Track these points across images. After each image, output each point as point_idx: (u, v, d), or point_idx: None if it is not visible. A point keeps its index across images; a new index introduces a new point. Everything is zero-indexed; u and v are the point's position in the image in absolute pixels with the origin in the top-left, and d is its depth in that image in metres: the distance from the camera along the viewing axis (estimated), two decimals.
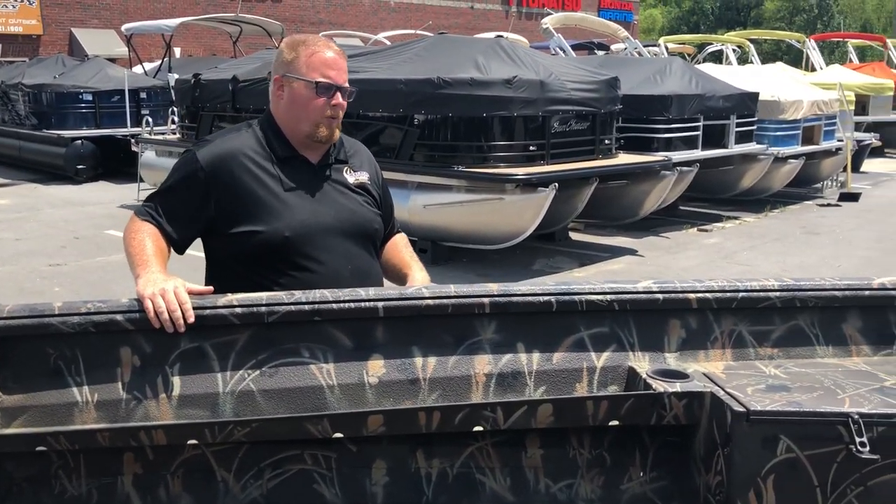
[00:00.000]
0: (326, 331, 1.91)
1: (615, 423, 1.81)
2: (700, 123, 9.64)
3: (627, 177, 8.30)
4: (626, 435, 1.88)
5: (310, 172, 2.22)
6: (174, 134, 11.56)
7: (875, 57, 29.39)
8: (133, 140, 12.13)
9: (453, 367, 1.92)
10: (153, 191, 2.20)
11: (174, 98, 12.05)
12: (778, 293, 2.00)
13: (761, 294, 2.00)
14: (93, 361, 1.84)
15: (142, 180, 11.44)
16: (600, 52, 19.58)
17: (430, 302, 1.92)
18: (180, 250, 2.18)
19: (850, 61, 23.73)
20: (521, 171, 7.22)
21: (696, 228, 9.89)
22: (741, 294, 1.99)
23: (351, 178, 2.27)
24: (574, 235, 9.19)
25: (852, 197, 12.26)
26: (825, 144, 12.20)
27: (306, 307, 1.88)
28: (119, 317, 1.82)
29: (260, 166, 2.17)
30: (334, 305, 1.89)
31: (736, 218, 10.64)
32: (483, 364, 1.93)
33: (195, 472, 1.83)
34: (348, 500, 1.82)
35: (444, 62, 7.84)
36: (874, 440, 1.60)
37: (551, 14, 15.71)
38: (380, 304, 1.90)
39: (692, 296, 1.99)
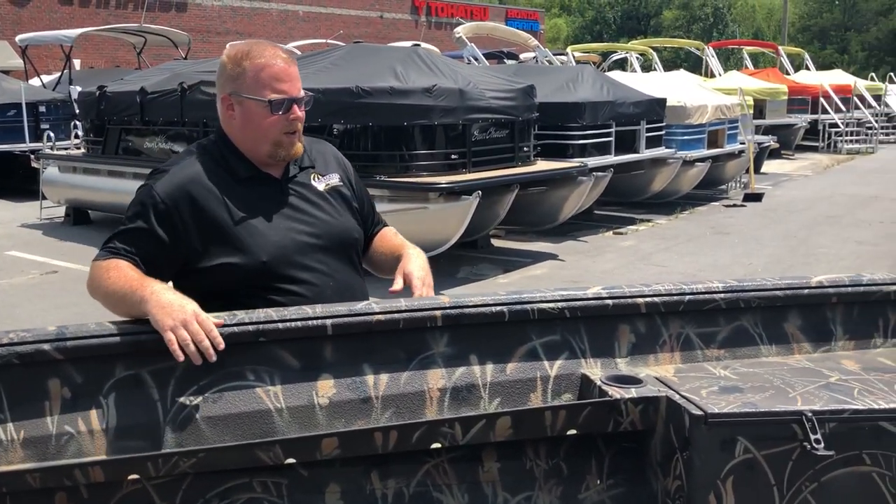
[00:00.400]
0: (272, 352, 1.83)
1: (573, 432, 1.79)
2: (612, 129, 9.88)
3: (546, 183, 8.42)
4: (582, 443, 1.87)
5: (276, 189, 2.07)
6: (78, 149, 11.07)
7: (767, 63, 30.82)
8: (33, 156, 11.56)
9: (406, 383, 1.87)
10: (109, 234, 2.00)
11: (77, 111, 11.53)
12: (722, 295, 2.03)
13: (707, 296, 2.03)
14: (16, 396, 1.71)
15: (44, 198, 10.91)
16: (509, 62, 19.88)
17: (381, 317, 1.86)
18: None
19: (746, 67, 24.83)
20: (444, 180, 7.21)
21: (611, 232, 10.11)
22: (687, 297, 2.02)
23: (320, 184, 2.13)
24: (496, 242, 9.25)
25: (756, 197, 12.79)
26: (729, 147, 12.70)
27: (250, 328, 1.80)
28: (46, 346, 1.69)
29: (223, 191, 2.01)
30: (280, 325, 1.81)
31: (648, 220, 10.93)
32: (436, 378, 1.88)
33: None
34: None
35: (362, 71, 7.78)
36: (827, 436, 1.63)
37: (461, 23, 15.83)
38: (328, 321, 1.83)
39: (641, 300, 2.00)
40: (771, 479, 1.66)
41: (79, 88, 11.99)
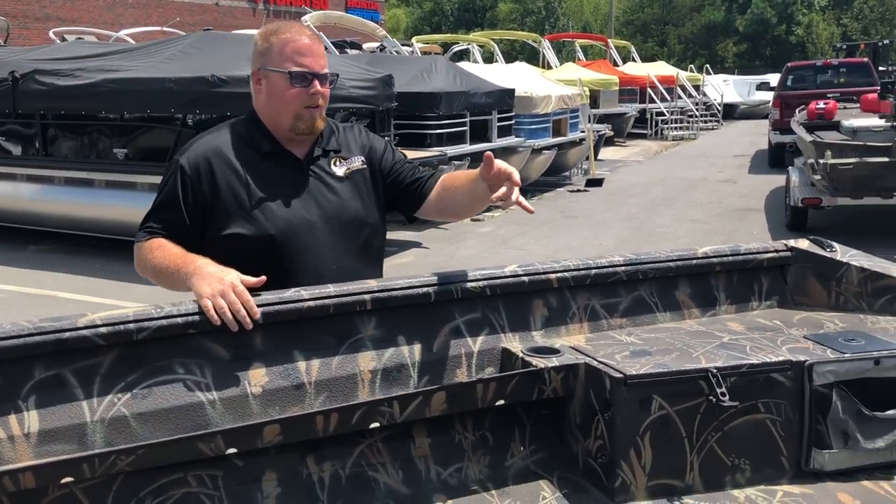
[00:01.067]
0: (202, 344, 1.80)
1: (501, 402, 1.89)
2: (467, 119, 10.13)
3: None
4: (505, 414, 1.97)
5: (296, 168, 2.13)
6: None
7: (596, 55, 32.53)
8: None
9: (338, 367, 1.89)
10: (147, 210, 2.12)
11: None
12: (624, 268, 2.20)
13: (610, 270, 2.19)
14: None
15: None
16: (352, 51, 19.78)
17: (311, 304, 1.87)
18: None
19: (579, 59, 26.11)
20: None
21: (469, 219, 10.38)
22: (593, 271, 2.16)
23: (340, 168, 2.17)
24: None
25: (597, 182, 13.55)
26: (571, 136, 13.37)
27: (179, 320, 1.77)
28: None
29: (243, 164, 2.08)
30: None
31: (499, 206, 11.29)
32: (367, 361, 1.92)
33: None
34: None
35: (216, 60, 7.52)
36: (730, 389, 1.82)
37: (303, 12, 15.58)
38: (258, 310, 1.82)
39: (553, 276, 2.13)
40: (682, 432, 1.83)
41: None
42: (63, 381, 1.69)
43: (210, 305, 1.76)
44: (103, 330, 1.70)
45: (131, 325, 1.72)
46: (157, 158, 7.48)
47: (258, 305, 1.83)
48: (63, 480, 1.58)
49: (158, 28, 19.48)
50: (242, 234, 2.05)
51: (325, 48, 10.71)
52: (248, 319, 1.77)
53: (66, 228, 8.37)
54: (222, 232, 2.06)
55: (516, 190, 1.95)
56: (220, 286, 1.79)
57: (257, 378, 1.83)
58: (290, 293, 1.89)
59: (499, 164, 1.97)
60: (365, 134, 2.31)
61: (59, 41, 12.63)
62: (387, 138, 8.33)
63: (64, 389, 1.69)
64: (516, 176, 1.96)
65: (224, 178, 2.07)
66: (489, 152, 1.98)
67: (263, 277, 1.86)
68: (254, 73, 2.13)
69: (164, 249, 1.99)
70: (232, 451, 1.68)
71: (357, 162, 2.21)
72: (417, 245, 8.65)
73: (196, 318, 1.78)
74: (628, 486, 1.81)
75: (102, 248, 8.03)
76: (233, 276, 1.82)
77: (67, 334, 1.68)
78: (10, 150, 8.68)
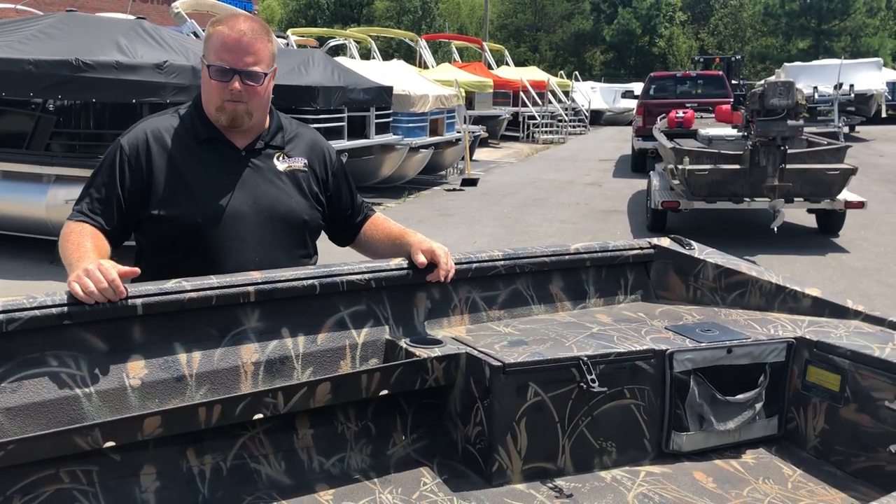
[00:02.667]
0: (77, 335, 1.75)
1: (385, 392, 1.94)
2: (345, 115, 10.09)
3: None
4: (387, 404, 2.02)
5: (233, 157, 2.11)
6: None
7: (472, 57, 33.05)
8: None
9: (220, 359, 1.88)
10: (84, 185, 2.11)
11: None
12: (503, 262, 2.29)
13: (490, 264, 2.28)
14: None
15: None
16: None
17: (193, 295, 1.86)
18: (115, 242, 1.99)
19: (455, 61, 26.46)
20: None
21: None
22: (475, 265, 2.25)
23: (282, 165, 2.15)
24: None
25: (472, 182, 13.81)
26: (448, 135, 13.57)
27: (54, 311, 1.71)
28: None
29: (181, 149, 2.08)
30: (86, 307, 1.73)
31: (379, 204, 11.33)
32: (250, 353, 1.92)
33: None
34: None
35: (80, 42, 7.14)
36: (599, 376, 1.94)
37: None
38: (138, 300, 1.79)
39: None
40: (555, 417, 1.94)
41: None
42: None
43: (76, 286, 1.74)
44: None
45: (0, 317, 1.65)
46: (13, 144, 7.02)
47: (138, 296, 1.79)
48: None
49: (11, 6, 18.19)
50: (169, 217, 2.04)
51: (196, 35, 10.20)
52: (110, 292, 1.75)
53: None
54: (151, 212, 2.05)
55: (449, 272, 2.15)
56: (86, 268, 1.77)
57: (136, 370, 1.79)
58: (172, 284, 1.86)
59: (443, 271, 2.14)
60: (319, 142, 2.30)
61: None
62: None
63: None
64: (449, 265, 2.16)
65: (160, 160, 2.07)
66: (421, 258, 2.13)
67: (137, 269, 1.84)
68: (200, 60, 2.14)
69: (77, 237, 1.96)
70: (110, 444, 1.65)
71: (299, 163, 2.20)
72: None
73: (71, 308, 1.72)
74: (505, 470, 1.90)
75: None
76: (101, 261, 1.81)
77: None
78: None
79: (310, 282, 2.00)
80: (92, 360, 1.76)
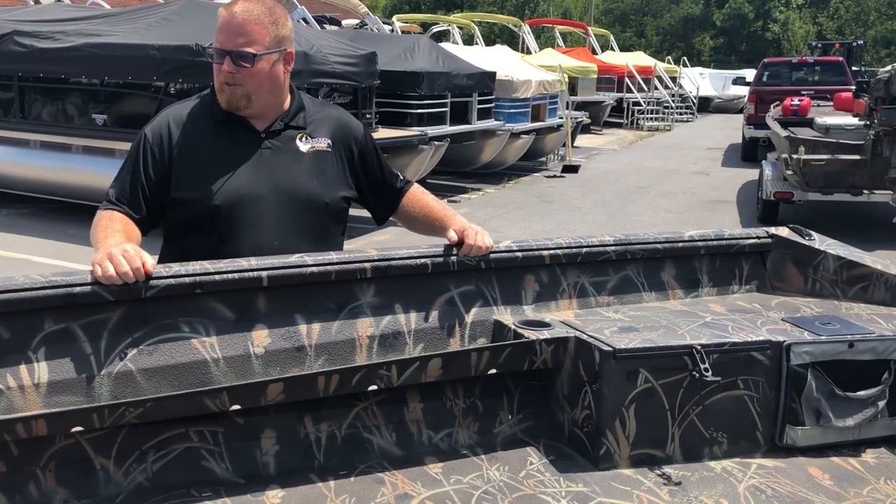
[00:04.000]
0: (207, 304, 1.85)
1: (493, 371, 1.96)
2: (448, 100, 10.15)
3: (388, 151, 8.53)
4: (494, 383, 2.04)
5: (252, 139, 2.09)
6: None
7: (576, 42, 32.59)
8: None
9: (337, 331, 1.95)
10: (115, 175, 2.14)
11: None
12: (614, 247, 2.28)
13: (600, 249, 2.26)
14: None
15: None
16: (331, 27, 19.62)
17: (315, 269, 1.93)
18: (144, 230, 2.03)
19: (559, 45, 26.14)
20: None
21: (445, 200, 10.43)
22: (584, 249, 2.24)
23: (304, 145, 2.13)
24: None
25: (573, 169, 13.66)
26: (549, 121, 13.44)
27: (186, 280, 1.81)
28: None
29: (201, 133, 2.07)
30: (216, 277, 1.83)
31: (479, 189, 11.38)
32: (365, 327, 1.98)
33: (69, 464, 1.69)
34: (240, 474, 1.80)
35: (199, 28, 7.44)
36: (712, 366, 1.91)
37: None
38: (264, 273, 1.87)
39: (546, 252, 2.20)
40: (665, 405, 1.92)
41: None
42: (72, 335, 1.73)
43: (96, 268, 1.75)
44: (113, 286, 1.74)
45: (139, 283, 1.76)
46: (135, 126, 7.37)
47: (263, 268, 1.88)
48: (73, 430, 1.63)
49: None
50: (187, 199, 2.05)
51: (305, 22, 10.44)
52: (130, 275, 1.73)
53: (40, 193, 8.28)
54: (173, 195, 2.05)
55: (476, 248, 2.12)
56: (107, 252, 1.77)
57: (260, 339, 1.88)
58: (294, 258, 1.94)
59: (468, 246, 2.10)
60: (345, 120, 2.26)
61: (32, 2, 12.38)
62: (368, 116, 8.35)
63: (72, 343, 1.73)
64: (478, 242, 2.11)
65: (180, 145, 2.06)
66: (453, 234, 2.11)
67: (152, 269, 1.79)
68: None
69: (107, 223, 1.98)
70: (236, 407, 1.73)
71: (322, 143, 2.16)
72: (394, 224, 8.63)
73: (204, 278, 1.82)
74: (612, 455, 1.89)
75: (76, 214, 7.95)
76: (126, 245, 1.81)
77: (78, 289, 1.72)
78: None
79: (422, 261, 2.05)
80: (220, 328, 1.86)
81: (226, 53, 2.01)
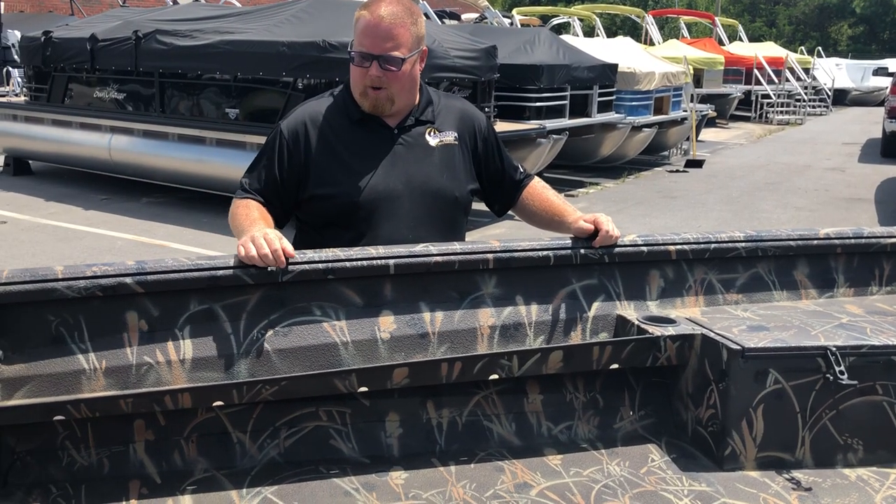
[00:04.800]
0: (337, 289, 1.93)
1: (615, 366, 1.94)
2: (568, 93, 10.03)
3: (505, 145, 8.51)
4: (615, 378, 2.02)
5: (386, 136, 2.16)
6: (17, 96, 10.64)
7: (701, 33, 31.47)
8: None
9: (459, 320, 1.99)
10: (247, 167, 2.24)
11: (19, 57, 11.05)
12: (744, 244, 2.20)
13: (730, 245, 2.20)
14: (97, 327, 1.77)
15: None
16: (450, 21, 19.78)
17: (439, 259, 1.97)
18: (280, 223, 2.13)
19: (683, 36, 25.33)
20: None
21: (563, 194, 10.31)
22: (713, 245, 2.18)
23: (433, 140, 2.19)
24: None
25: (697, 163, 13.22)
26: (673, 114, 13.06)
27: (320, 266, 1.89)
28: (128, 280, 1.75)
29: (337, 131, 2.15)
30: (347, 264, 1.90)
31: (597, 184, 11.20)
32: (486, 317, 2.01)
33: (210, 436, 1.80)
34: (365, 454, 1.86)
35: (327, 25, 7.70)
36: (848, 369, 1.82)
37: None
38: (391, 261, 1.93)
39: (672, 247, 2.16)
40: (796, 407, 1.84)
41: (17, 33, 11.47)
42: (214, 315, 1.84)
43: (241, 249, 1.84)
44: (253, 270, 1.84)
45: (277, 269, 1.85)
46: (266, 119, 7.74)
47: (390, 256, 1.94)
48: (214, 404, 1.74)
49: None
50: (327, 195, 2.12)
51: (427, 16, 10.55)
52: (270, 258, 1.81)
53: (176, 183, 8.78)
54: (310, 193, 2.13)
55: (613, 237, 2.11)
56: (251, 236, 1.86)
57: (386, 325, 1.94)
58: (419, 248, 1.99)
59: (605, 233, 2.09)
60: (468, 110, 2.30)
61: (171, 2, 13.09)
62: (487, 110, 8.37)
63: (215, 322, 1.84)
64: (613, 231, 2.10)
65: (317, 143, 2.13)
66: (585, 224, 2.11)
67: (292, 253, 1.87)
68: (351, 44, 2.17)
69: (245, 210, 2.07)
70: (363, 389, 1.80)
71: (449, 137, 2.21)
72: (510, 217, 8.60)
73: (336, 265, 1.90)
74: (738, 456, 1.84)
75: (209, 203, 8.39)
76: (268, 229, 1.90)
77: (221, 272, 1.82)
78: (129, 106, 9.12)
79: (545, 253, 2.05)
80: (349, 313, 1.93)
81: (374, 58, 2.04)
